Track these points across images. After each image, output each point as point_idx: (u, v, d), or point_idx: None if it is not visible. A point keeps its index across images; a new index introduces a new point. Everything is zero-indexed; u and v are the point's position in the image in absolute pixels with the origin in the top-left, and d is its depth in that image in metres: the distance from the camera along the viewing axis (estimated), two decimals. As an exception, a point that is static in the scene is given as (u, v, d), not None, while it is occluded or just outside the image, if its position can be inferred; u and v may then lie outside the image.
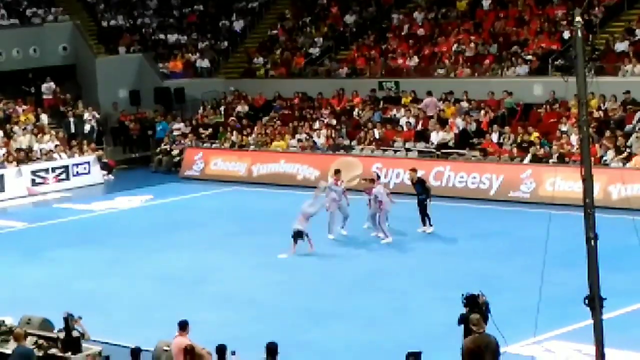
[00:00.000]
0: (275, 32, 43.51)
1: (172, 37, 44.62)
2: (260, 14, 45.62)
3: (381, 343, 16.68)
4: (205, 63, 42.84)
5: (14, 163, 33.69)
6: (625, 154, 27.83)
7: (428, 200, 24.76)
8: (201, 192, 32.46)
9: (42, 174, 33.90)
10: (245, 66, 42.97)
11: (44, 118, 37.81)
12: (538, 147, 29.30)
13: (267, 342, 13.36)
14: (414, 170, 25.94)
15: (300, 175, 32.62)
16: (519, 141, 30.26)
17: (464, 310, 13.43)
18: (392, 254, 23.23)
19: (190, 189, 33.06)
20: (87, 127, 38.39)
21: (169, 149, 37.19)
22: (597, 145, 27.83)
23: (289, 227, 23.15)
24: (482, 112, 32.90)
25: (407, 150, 32.42)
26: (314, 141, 34.19)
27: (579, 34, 11.00)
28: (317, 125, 35.27)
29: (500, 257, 22.23)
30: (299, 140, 34.52)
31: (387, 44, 39.39)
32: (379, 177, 26.27)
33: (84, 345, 15.01)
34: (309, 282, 21.21)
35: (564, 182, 26.80)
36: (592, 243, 10.97)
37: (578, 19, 11.05)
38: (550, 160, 28.66)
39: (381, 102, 36.23)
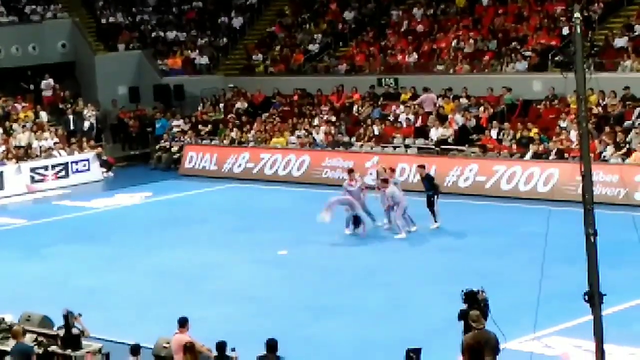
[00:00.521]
0: (272, 29, 43.50)
1: (171, 34, 44.60)
2: (259, 11, 45.59)
3: (381, 338, 16.69)
4: (204, 60, 42.83)
5: (14, 160, 33.69)
6: (624, 150, 27.83)
7: (436, 197, 24.80)
8: (200, 188, 32.48)
9: (42, 171, 33.90)
10: (245, 63, 42.97)
11: (43, 115, 37.78)
12: (537, 143, 29.31)
13: (267, 338, 13.38)
14: (421, 166, 25.94)
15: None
16: (518, 137, 30.27)
17: (464, 306, 13.45)
18: (392, 250, 23.24)
19: (190, 185, 33.07)
20: (86, 124, 38.35)
21: (168, 146, 37.18)
22: (596, 141, 27.83)
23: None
24: (482, 108, 32.89)
25: (407, 146, 32.42)
26: (313, 138, 34.20)
27: (578, 30, 11.01)
28: (316, 121, 35.26)
29: (500, 252, 22.25)
30: (299, 137, 34.53)
31: (386, 40, 39.38)
32: (393, 170, 26.16)
33: (84, 342, 15.03)
34: (309, 278, 21.21)
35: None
36: (592, 239, 10.97)
37: (577, 15, 11.07)
38: (550, 157, 28.68)
39: (380, 99, 36.23)
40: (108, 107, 40.76)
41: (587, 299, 11.09)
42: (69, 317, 14.84)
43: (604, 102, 30.64)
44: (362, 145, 33.08)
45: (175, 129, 37.87)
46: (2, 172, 32.99)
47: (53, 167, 34.19)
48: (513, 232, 24.03)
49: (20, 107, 38.11)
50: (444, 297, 17.66)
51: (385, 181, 24.71)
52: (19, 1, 43.69)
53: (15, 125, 36.34)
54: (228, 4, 46.07)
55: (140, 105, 40.90)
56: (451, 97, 34.20)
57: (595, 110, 29.78)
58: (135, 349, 13.96)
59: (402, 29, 39.56)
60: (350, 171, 25.63)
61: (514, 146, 29.99)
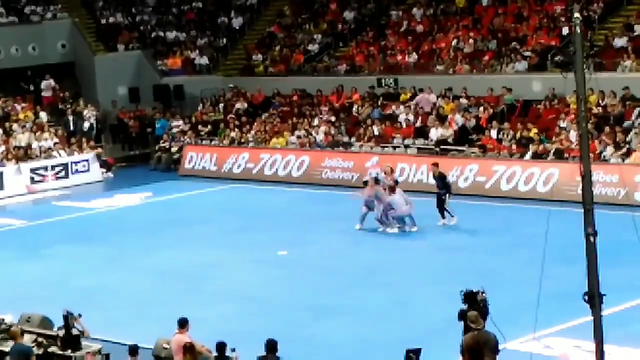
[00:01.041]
0: (272, 29, 43.50)
1: (171, 34, 44.57)
2: (259, 11, 45.59)
3: (381, 338, 16.70)
4: (204, 60, 42.81)
5: (13, 161, 33.68)
6: (624, 150, 27.84)
7: (447, 196, 24.81)
8: (200, 189, 32.48)
9: (41, 171, 33.89)
10: (244, 63, 42.96)
11: (43, 116, 37.77)
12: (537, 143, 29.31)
13: (267, 338, 13.38)
14: (435, 164, 25.94)
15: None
16: (518, 137, 30.27)
17: (464, 306, 13.44)
18: (392, 249, 23.25)
19: (190, 186, 33.07)
20: (86, 125, 38.34)
21: (168, 146, 37.17)
22: (596, 141, 27.84)
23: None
24: (481, 108, 32.89)
25: (406, 147, 32.42)
26: (313, 138, 34.19)
27: (578, 30, 11.00)
28: (316, 122, 35.27)
29: (500, 252, 22.25)
30: (298, 137, 34.53)
31: (386, 40, 39.37)
32: (392, 171, 26.10)
33: (84, 343, 15.03)
34: (309, 278, 21.22)
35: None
36: (592, 239, 10.96)
37: (577, 15, 11.08)
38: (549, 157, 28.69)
39: (380, 99, 36.23)
40: (108, 108, 40.76)
41: (586, 299, 11.07)
42: (68, 318, 14.84)
43: (604, 102, 30.65)
44: (361, 145, 33.08)
45: (175, 130, 37.86)
46: (2, 172, 32.98)
47: (53, 167, 34.19)
48: (513, 232, 24.04)
49: (20, 107, 38.11)
50: (444, 297, 17.65)
51: (393, 189, 24.69)
52: (19, 1, 43.68)
53: (15, 126, 36.32)
54: (228, 4, 46.06)
55: (140, 105, 40.89)
56: (451, 97, 34.21)
57: (595, 110, 29.79)
58: (133, 350, 13.94)
59: (402, 29, 39.56)
60: (365, 183, 25.50)
61: (514, 146, 29.99)
